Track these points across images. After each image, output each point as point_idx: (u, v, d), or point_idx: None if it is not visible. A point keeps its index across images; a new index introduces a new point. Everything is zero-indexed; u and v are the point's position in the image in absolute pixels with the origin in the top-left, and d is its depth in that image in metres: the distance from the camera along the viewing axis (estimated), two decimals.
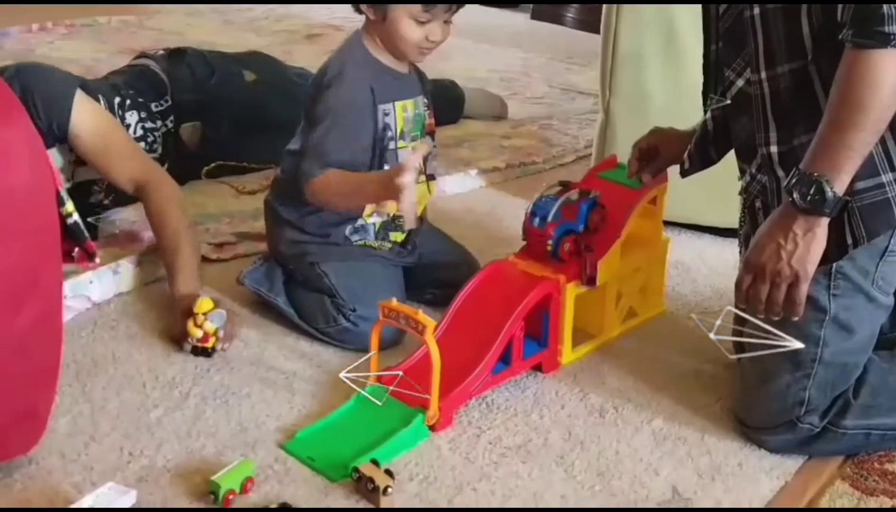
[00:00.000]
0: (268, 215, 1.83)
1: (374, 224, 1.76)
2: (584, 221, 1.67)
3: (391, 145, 1.72)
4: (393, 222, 1.79)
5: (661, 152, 1.76)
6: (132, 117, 2.13)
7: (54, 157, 1.88)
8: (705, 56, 1.59)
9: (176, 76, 2.25)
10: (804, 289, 1.36)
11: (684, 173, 1.69)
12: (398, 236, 1.81)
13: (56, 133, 1.85)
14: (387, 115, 1.71)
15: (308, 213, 1.74)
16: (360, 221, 1.75)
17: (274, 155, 2.42)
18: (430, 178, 1.83)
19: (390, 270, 1.79)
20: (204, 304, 1.60)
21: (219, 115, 2.30)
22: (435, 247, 1.87)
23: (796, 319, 1.39)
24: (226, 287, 1.84)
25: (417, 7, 1.64)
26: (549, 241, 1.63)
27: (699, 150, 1.66)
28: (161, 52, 2.35)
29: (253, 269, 1.81)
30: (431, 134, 1.83)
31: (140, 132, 2.13)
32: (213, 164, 2.35)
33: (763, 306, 1.39)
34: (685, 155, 1.68)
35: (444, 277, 1.80)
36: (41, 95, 1.82)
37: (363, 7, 1.69)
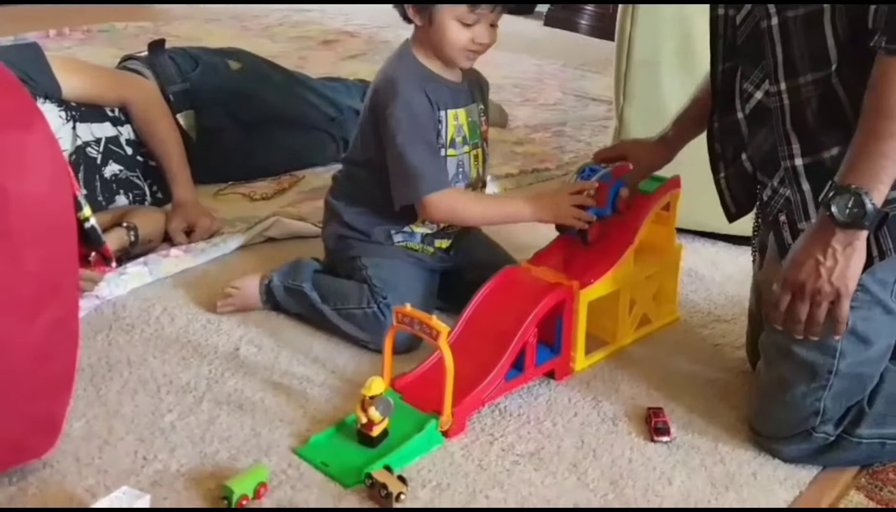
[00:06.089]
0: (325, 211, 1.88)
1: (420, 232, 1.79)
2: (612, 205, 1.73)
3: (441, 152, 1.73)
4: (443, 231, 1.80)
5: (633, 163, 1.77)
6: (126, 130, 2.16)
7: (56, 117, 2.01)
8: (713, 75, 1.56)
9: (161, 71, 2.29)
10: (846, 306, 1.31)
11: (731, 218, 1.64)
12: (443, 243, 1.83)
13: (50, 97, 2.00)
14: (440, 122, 1.72)
15: (355, 212, 1.79)
16: (406, 228, 1.78)
17: (291, 155, 2.48)
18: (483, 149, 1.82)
19: (426, 273, 1.80)
20: (374, 385, 1.42)
21: (208, 102, 2.32)
22: (480, 255, 1.86)
23: (838, 338, 1.36)
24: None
25: (463, 8, 1.64)
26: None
27: (744, 191, 1.59)
28: (144, 52, 2.36)
29: (280, 269, 1.83)
30: (485, 139, 1.85)
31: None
32: (226, 186, 2.38)
33: (802, 327, 1.34)
34: (727, 198, 1.62)
35: (474, 277, 1.75)
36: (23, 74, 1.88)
37: (410, 13, 1.69)
